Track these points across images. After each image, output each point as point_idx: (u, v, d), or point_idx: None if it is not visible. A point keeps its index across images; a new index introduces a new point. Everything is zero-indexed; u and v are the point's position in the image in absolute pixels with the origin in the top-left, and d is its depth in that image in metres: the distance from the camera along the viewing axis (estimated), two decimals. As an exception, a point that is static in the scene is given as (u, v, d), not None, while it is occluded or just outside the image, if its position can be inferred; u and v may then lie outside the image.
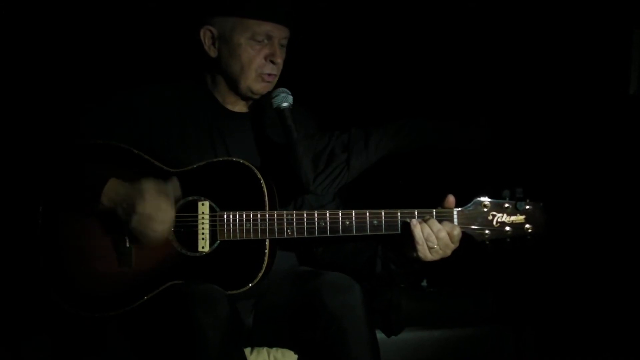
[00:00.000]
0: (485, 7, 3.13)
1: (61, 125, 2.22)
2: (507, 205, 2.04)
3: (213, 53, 2.26)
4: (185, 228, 2.11)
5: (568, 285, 2.97)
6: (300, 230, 2.08)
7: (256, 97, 2.28)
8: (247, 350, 2.15)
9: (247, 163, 2.12)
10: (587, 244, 2.89)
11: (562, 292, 2.99)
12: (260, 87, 2.25)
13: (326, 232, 2.07)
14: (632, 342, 2.72)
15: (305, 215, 2.07)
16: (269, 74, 2.23)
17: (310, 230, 2.07)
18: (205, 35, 2.25)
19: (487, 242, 2.04)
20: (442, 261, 2.06)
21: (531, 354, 2.98)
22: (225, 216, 2.09)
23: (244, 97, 2.30)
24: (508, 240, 2.03)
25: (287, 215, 2.08)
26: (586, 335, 2.87)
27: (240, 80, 2.24)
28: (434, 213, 2.04)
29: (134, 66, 3.04)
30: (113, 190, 2.04)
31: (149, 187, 2.01)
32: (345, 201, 2.41)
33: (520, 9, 3.10)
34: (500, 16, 3.14)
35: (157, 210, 2.00)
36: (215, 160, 2.15)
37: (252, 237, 2.08)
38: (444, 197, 2.06)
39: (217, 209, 2.10)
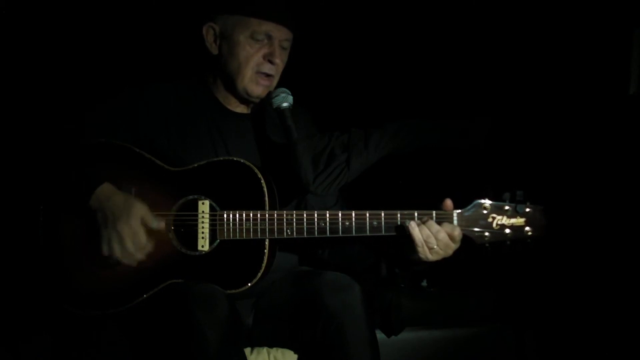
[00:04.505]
0: (485, 7, 3.13)
1: (64, 124, 2.23)
2: (507, 207, 2.03)
3: (214, 50, 2.27)
4: (185, 227, 2.11)
5: (568, 286, 2.97)
6: (299, 230, 2.08)
7: (253, 100, 2.28)
8: (247, 350, 2.15)
9: (247, 163, 2.12)
10: (587, 245, 2.89)
11: (562, 293, 2.99)
12: (256, 90, 2.25)
13: (326, 233, 2.07)
14: (632, 342, 2.72)
15: (305, 215, 2.07)
16: (266, 75, 2.23)
17: (310, 230, 2.07)
18: (208, 33, 2.27)
19: (487, 245, 2.04)
20: (442, 261, 2.06)
21: (531, 354, 2.98)
22: (225, 215, 2.09)
23: (242, 100, 2.31)
24: (508, 243, 2.03)
25: (287, 215, 2.08)
26: (586, 336, 2.87)
27: (237, 80, 2.24)
28: (434, 214, 2.04)
29: (137, 64, 3.05)
30: (105, 194, 2.05)
31: (138, 213, 2.01)
32: (346, 201, 2.42)
33: (520, 9, 3.09)
34: (500, 16, 3.14)
35: (132, 238, 2.01)
36: (215, 159, 2.15)
37: (251, 237, 2.09)
38: (444, 198, 2.06)
39: (217, 208, 2.10)
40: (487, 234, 2.03)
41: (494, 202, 2.04)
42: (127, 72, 2.98)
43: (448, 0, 3.17)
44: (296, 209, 2.30)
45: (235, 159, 2.14)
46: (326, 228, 2.07)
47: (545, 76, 3.08)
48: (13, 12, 2.94)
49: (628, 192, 2.76)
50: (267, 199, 2.11)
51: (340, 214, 2.06)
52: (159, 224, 2.05)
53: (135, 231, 2.01)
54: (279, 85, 2.27)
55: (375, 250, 2.28)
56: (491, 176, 2.84)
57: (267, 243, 2.10)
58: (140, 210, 2.02)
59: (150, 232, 2.04)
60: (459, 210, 2.05)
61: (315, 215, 2.07)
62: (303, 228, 2.08)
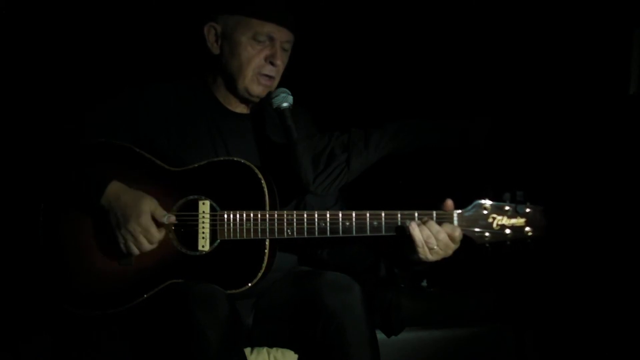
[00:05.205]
0: (485, 7, 3.13)
1: (64, 124, 2.23)
2: (507, 208, 2.03)
3: (215, 50, 2.27)
4: (186, 227, 2.11)
5: (568, 286, 2.97)
6: (300, 230, 2.08)
7: (254, 99, 2.28)
8: (247, 350, 2.16)
9: (247, 163, 2.12)
10: (587, 245, 2.89)
11: (562, 293, 2.99)
12: (257, 90, 2.25)
13: (326, 233, 2.07)
14: (632, 343, 2.72)
15: (305, 215, 2.07)
16: (267, 76, 2.23)
17: (310, 230, 2.07)
18: (209, 32, 2.27)
19: (487, 245, 2.03)
20: (442, 261, 2.06)
21: (531, 354, 2.98)
22: (225, 216, 2.09)
23: (243, 99, 2.31)
24: (508, 243, 2.03)
25: (287, 215, 2.08)
26: (586, 336, 2.87)
27: (238, 80, 2.24)
28: (434, 215, 2.03)
29: (137, 64, 3.04)
30: (115, 194, 2.06)
31: (147, 210, 2.03)
32: (346, 201, 2.42)
33: (520, 9, 3.09)
34: (500, 16, 3.14)
35: (145, 235, 2.04)
36: (216, 159, 2.15)
37: (252, 237, 2.09)
38: (444, 198, 2.06)
39: (218, 209, 2.10)
40: (487, 234, 2.03)
41: (494, 203, 2.04)
42: (127, 72, 2.98)
43: (448, 0, 3.17)
44: (296, 209, 2.30)
45: (235, 159, 2.14)
46: (326, 228, 2.07)
47: (545, 76, 3.08)
48: (13, 12, 2.94)
49: (628, 192, 2.77)
50: (267, 199, 2.11)
51: (340, 214, 2.06)
52: (169, 218, 2.06)
53: (147, 229, 2.03)
54: (279, 85, 2.27)
55: (375, 250, 2.28)
56: (491, 176, 2.84)
57: (267, 243, 2.10)
58: (149, 206, 2.04)
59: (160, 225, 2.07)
60: (460, 211, 2.04)
61: (316, 215, 2.07)
62: (303, 228, 2.07)
